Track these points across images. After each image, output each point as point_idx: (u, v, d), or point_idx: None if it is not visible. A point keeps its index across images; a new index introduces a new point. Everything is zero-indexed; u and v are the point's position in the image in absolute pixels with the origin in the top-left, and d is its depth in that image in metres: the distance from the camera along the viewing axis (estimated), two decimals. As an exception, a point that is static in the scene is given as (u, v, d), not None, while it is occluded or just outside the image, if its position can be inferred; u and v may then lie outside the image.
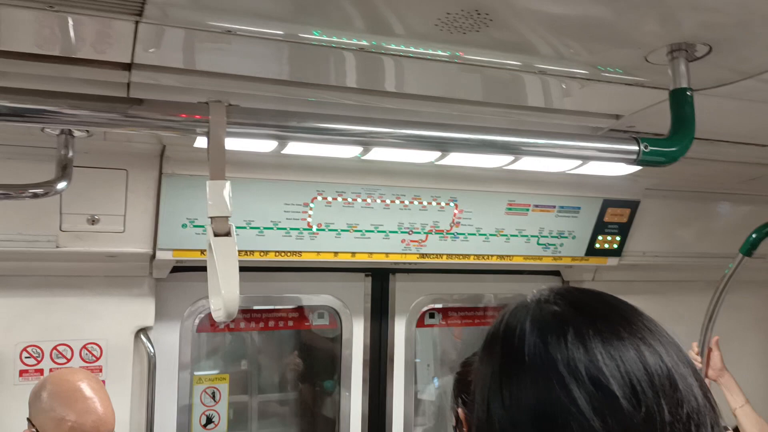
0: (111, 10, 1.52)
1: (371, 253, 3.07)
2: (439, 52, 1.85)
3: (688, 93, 1.73)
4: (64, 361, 2.79)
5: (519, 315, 0.87)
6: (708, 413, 0.80)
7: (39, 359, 2.75)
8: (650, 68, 1.88)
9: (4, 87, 1.47)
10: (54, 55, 1.82)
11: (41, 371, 2.74)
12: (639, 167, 2.08)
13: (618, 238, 3.43)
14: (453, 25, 1.61)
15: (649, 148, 1.72)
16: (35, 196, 1.98)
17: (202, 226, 2.71)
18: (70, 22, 1.62)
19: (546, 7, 1.53)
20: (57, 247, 2.57)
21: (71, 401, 2.11)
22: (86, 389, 2.16)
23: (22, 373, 2.73)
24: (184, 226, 2.69)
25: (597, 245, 3.42)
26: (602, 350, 0.78)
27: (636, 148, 1.73)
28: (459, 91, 2.22)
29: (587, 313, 0.83)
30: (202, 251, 2.76)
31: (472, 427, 0.88)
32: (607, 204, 3.30)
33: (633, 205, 3.36)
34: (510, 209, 3.17)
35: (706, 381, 3.01)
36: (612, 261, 3.51)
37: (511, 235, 3.24)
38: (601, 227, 3.37)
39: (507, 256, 3.28)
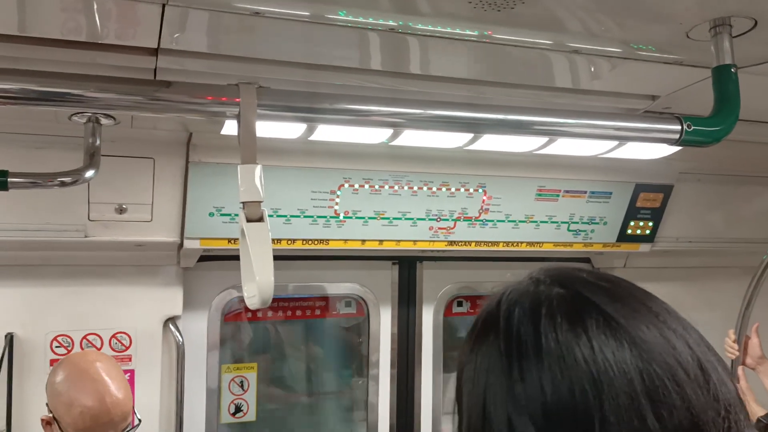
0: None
1: (399, 240, 3.04)
2: (468, 32, 1.80)
3: (732, 70, 1.66)
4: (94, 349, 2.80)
5: (519, 300, 0.78)
6: (740, 407, 0.73)
7: (69, 348, 2.76)
8: (690, 45, 1.81)
9: (31, 71, 1.45)
10: (80, 41, 1.80)
11: (71, 360, 2.75)
12: (675, 149, 2.02)
13: (651, 224, 3.36)
14: (487, 2, 1.56)
15: (693, 127, 1.66)
16: (63, 184, 1.97)
17: (230, 215, 2.69)
18: (96, 7, 1.59)
19: (584, -19, 1.48)
20: (85, 236, 2.57)
21: (82, 384, 2.04)
22: (98, 372, 2.07)
23: (52, 362, 2.74)
24: (211, 214, 2.68)
25: (629, 231, 3.35)
26: (628, 337, 0.71)
27: (678, 127, 1.67)
28: (488, 72, 2.17)
29: (601, 296, 0.75)
30: (230, 240, 2.75)
31: (462, 425, 0.79)
32: (639, 189, 3.23)
33: (666, 190, 3.28)
34: (540, 195, 3.11)
35: (744, 368, 2.94)
36: (644, 247, 3.44)
37: (541, 222, 3.18)
38: (633, 212, 3.29)
39: (537, 243, 3.23)
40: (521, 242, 3.21)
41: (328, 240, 2.93)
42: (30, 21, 1.71)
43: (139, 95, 1.41)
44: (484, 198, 3.04)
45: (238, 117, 1.40)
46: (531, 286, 0.80)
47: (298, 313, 3.44)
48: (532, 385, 0.71)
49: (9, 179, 1.86)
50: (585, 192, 3.17)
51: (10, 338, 2.67)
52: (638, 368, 0.69)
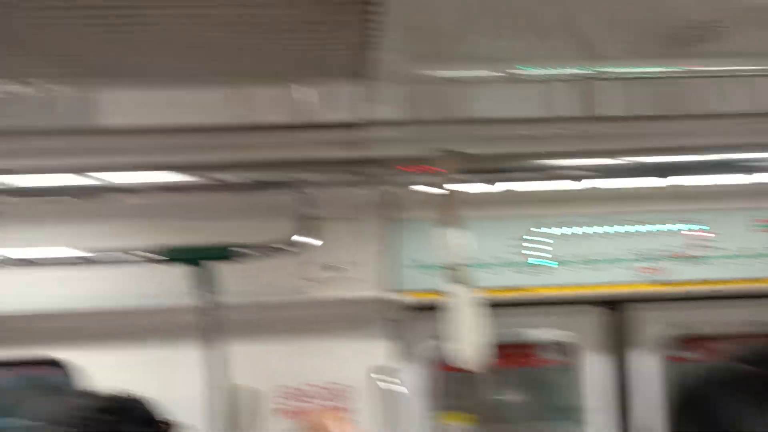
0: (342, 76, 1.62)
1: (604, 284, 2.93)
2: (664, 69, 1.73)
3: None
4: (312, 401, 2.98)
5: (724, 385, 0.74)
6: None
7: (291, 399, 2.97)
8: None
9: (246, 162, 1.61)
10: (288, 124, 1.99)
11: (292, 410, 2.96)
12: None
13: None
14: (681, 38, 1.50)
15: None
16: (278, 252, 2.12)
17: (431, 267, 2.76)
18: (304, 92, 1.76)
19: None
20: (299, 295, 2.77)
21: None
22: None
23: (274, 412, 2.97)
24: (413, 268, 2.77)
25: None
26: None
27: None
28: (686, 105, 2.07)
29: None
30: (433, 292, 2.81)
31: None
32: None
33: None
34: (759, 226, 2.84)
35: None
36: None
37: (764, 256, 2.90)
38: None
39: (762, 279, 2.93)
40: (741, 279, 2.94)
41: (528, 287, 2.90)
42: (252, 110, 1.92)
43: (345, 173, 1.52)
44: (695, 233, 2.84)
45: (438, 184, 1.46)
46: (738, 369, 0.76)
47: (504, 361, 3.39)
48: None
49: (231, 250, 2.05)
50: (817, 219, 2.84)
51: (237, 390, 2.93)
52: None
